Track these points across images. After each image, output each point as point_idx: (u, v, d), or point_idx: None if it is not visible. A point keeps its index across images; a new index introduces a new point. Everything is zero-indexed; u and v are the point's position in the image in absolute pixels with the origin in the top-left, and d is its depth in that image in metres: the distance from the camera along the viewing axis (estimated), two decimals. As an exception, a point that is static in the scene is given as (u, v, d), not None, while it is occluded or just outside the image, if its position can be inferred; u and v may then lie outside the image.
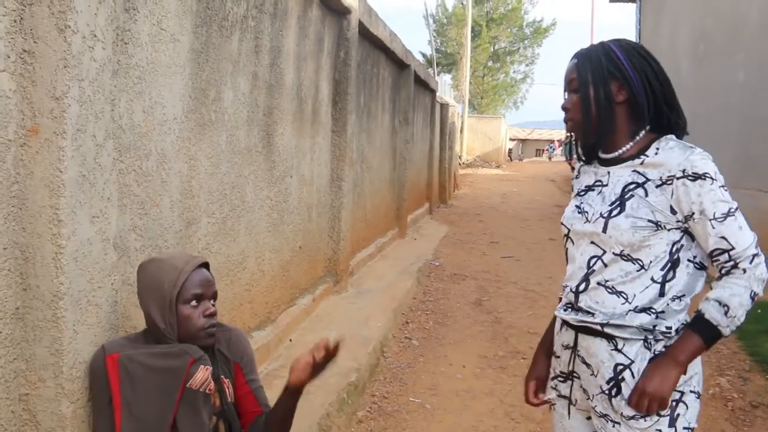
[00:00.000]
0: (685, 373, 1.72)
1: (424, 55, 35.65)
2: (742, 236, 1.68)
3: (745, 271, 1.67)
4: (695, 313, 1.73)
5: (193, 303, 2.02)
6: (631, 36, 11.29)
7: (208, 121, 3.18)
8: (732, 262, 1.68)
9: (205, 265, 2.14)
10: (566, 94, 1.88)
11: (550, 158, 47.09)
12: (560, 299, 1.96)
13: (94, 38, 2.03)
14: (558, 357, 1.94)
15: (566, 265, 1.93)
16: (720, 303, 1.67)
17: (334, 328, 4.75)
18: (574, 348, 1.86)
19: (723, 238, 1.67)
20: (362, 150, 6.81)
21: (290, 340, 4.32)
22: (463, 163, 28.11)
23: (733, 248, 1.67)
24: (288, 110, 4.34)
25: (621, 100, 1.80)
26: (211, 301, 2.09)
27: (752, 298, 1.68)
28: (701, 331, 1.70)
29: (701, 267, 1.77)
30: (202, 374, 1.97)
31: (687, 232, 1.75)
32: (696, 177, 1.68)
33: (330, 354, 2.14)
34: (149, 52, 2.58)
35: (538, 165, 36.85)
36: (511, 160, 42.94)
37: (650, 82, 1.77)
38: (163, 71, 2.71)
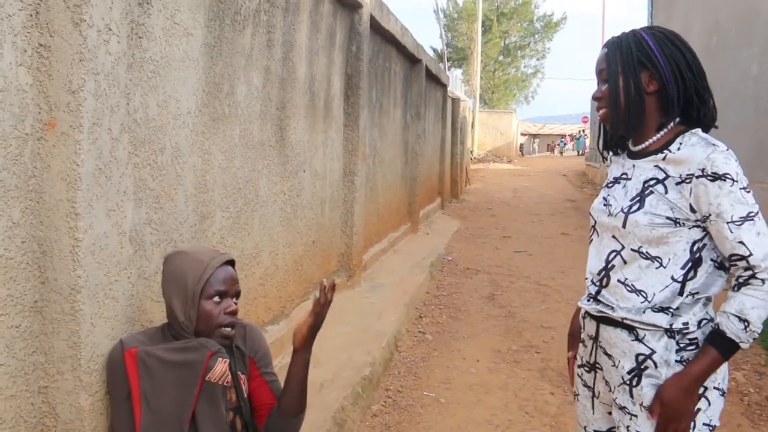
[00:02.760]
0: (701, 386, 1.69)
1: (434, 50, 35.58)
2: (760, 243, 1.61)
3: (764, 282, 1.60)
4: (712, 326, 1.68)
5: (216, 299, 2.03)
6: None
7: (222, 115, 3.18)
8: (750, 272, 1.61)
9: (231, 263, 2.14)
10: (598, 83, 1.84)
11: (561, 153, 46.92)
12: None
13: (109, 32, 2.03)
14: (585, 346, 1.94)
15: (589, 256, 1.91)
16: (740, 318, 1.61)
17: (348, 322, 4.76)
18: (595, 339, 1.85)
19: (741, 243, 1.61)
20: (374, 145, 6.80)
21: (304, 335, 4.32)
22: (475, 158, 28.06)
23: (751, 254, 1.60)
24: (300, 104, 4.34)
25: (651, 91, 1.75)
26: (234, 300, 2.09)
27: None
28: (720, 346, 1.65)
29: (721, 267, 1.73)
30: (221, 367, 1.98)
31: (708, 232, 1.70)
32: (715, 177, 1.62)
33: (325, 298, 2.16)
34: (163, 46, 2.58)
35: (550, 159, 36.76)
36: (523, 155, 42.81)
37: (682, 73, 1.72)
38: (176, 65, 2.71)
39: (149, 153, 2.53)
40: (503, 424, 3.62)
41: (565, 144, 51.67)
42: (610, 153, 1.96)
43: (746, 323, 1.60)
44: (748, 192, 1.63)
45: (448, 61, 30.28)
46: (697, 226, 1.69)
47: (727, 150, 1.65)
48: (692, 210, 1.67)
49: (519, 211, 13.58)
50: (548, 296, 6.39)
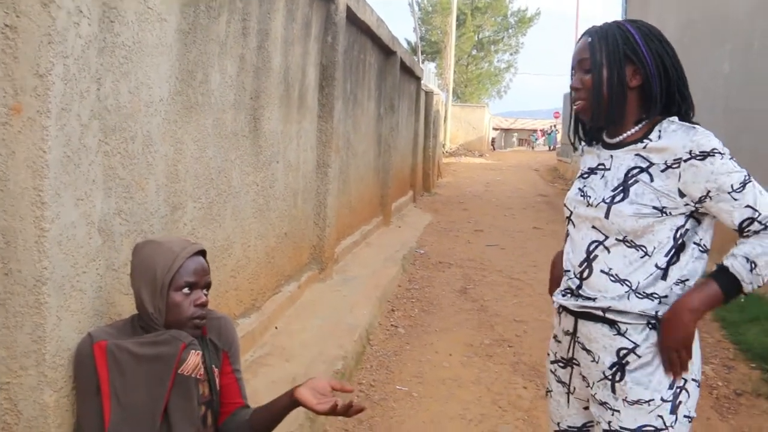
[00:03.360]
0: (698, 321, 1.68)
1: (408, 42, 35.49)
2: (764, 199, 1.63)
3: None
4: (718, 265, 1.69)
5: (185, 290, 1.97)
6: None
7: (195, 103, 3.11)
8: (762, 226, 1.62)
9: (202, 253, 2.08)
10: (575, 72, 1.81)
11: (533, 147, 47.24)
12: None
13: (79, 14, 1.95)
14: (559, 342, 1.91)
15: (565, 246, 1.89)
16: (747, 259, 1.62)
17: (319, 315, 4.71)
18: (573, 334, 1.83)
19: (748, 206, 1.63)
20: (348, 136, 6.75)
21: (276, 328, 4.27)
22: (447, 152, 28.11)
23: (759, 213, 1.62)
24: (275, 94, 4.27)
25: (634, 86, 1.74)
26: (204, 291, 2.04)
27: None
28: (723, 282, 1.65)
29: (705, 251, 1.74)
30: (194, 359, 1.93)
31: (692, 217, 1.71)
32: (704, 155, 1.63)
33: (343, 409, 1.91)
34: (135, 31, 2.50)
35: (521, 154, 36.98)
36: (494, 149, 43.02)
37: (666, 70, 1.72)
38: (149, 51, 2.63)
39: (120, 141, 2.46)
40: (476, 419, 3.61)
41: (536, 139, 52.02)
42: (583, 143, 1.95)
43: (753, 264, 1.61)
44: (734, 159, 1.66)
45: (422, 54, 30.25)
46: (682, 214, 1.69)
47: (705, 129, 1.68)
48: (681, 195, 1.67)
49: (491, 205, 13.63)
50: (520, 290, 6.41)
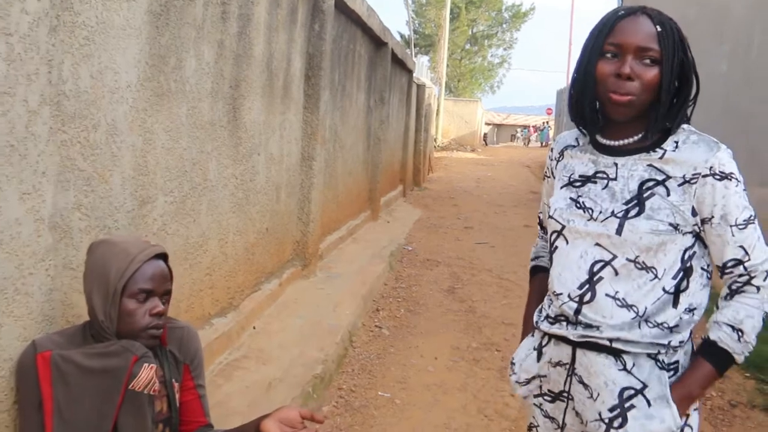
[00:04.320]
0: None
1: (402, 35, 35.26)
2: (760, 248, 1.51)
3: (759, 289, 1.50)
4: (704, 338, 1.54)
5: (140, 298, 1.77)
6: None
7: (167, 90, 2.91)
8: (746, 276, 1.50)
9: (163, 257, 1.88)
10: (621, 57, 1.50)
11: (526, 143, 47.09)
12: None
13: (26, -13, 1.76)
14: (543, 376, 1.71)
15: (552, 267, 1.67)
16: (733, 328, 1.49)
17: (300, 314, 4.53)
18: (571, 365, 1.62)
19: (741, 247, 1.49)
20: (335, 129, 6.55)
21: (254, 328, 4.09)
22: (438, 146, 27.92)
23: (749, 259, 1.49)
24: (257, 83, 4.07)
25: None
26: (163, 299, 1.84)
27: (764, 320, 1.51)
28: (714, 359, 1.51)
29: (710, 278, 1.58)
30: (147, 373, 1.74)
31: (699, 238, 1.55)
32: (723, 176, 1.48)
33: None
34: (99, 11, 2.30)
35: (513, 150, 36.82)
36: (486, 144, 42.86)
37: (696, 74, 1.57)
38: (115, 33, 2.43)
39: (80, 129, 2.26)
40: (461, 428, 3.45)
41: (527, 134, 51.87)
42: (559, 144, 1.74)
43: (740, 333, 1.48)
44: (746, 191, 1.53)
45: (415, 47, 30.03)
46: (690, 233, 1.53)
47: (729, 149, 1.53)
48: (693, 213, 1.51)
49: (482, 202, 13.46)
50: (510, 291, 6.24)
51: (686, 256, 1.53)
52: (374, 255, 6.88)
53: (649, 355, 1.53)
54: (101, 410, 1.70)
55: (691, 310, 1.54)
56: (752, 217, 1.50)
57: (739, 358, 1.51)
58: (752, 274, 1.49)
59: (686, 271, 1.53)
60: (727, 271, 1.52)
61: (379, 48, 8.78)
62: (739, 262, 1.50)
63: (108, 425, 1.69)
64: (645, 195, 1.52)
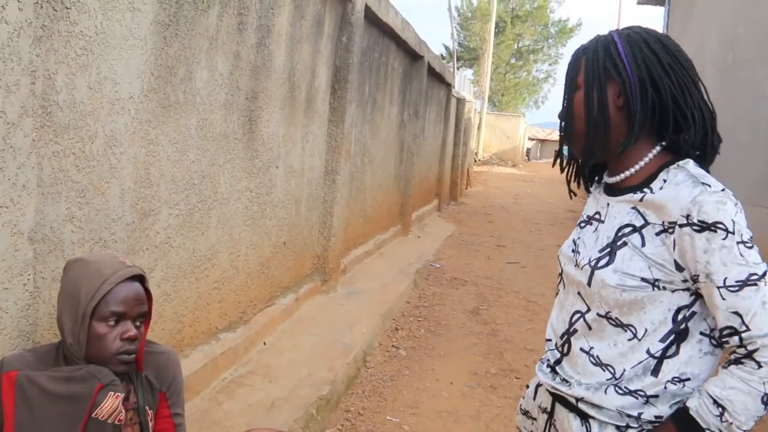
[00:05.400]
0: None
1: (447, 48, 35.18)
2: (763, 315, 1.21)
3: (760, 366, 1.21)
4: (683, 402, 1.31)
5: (111, 322, 1.69)
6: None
7: (175, 102, 2.86)
8: (743, 350, 1.23)
9: (140, 278, 1.80)
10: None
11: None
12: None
13: (6, -5, 1.70)
14: (533, 419, 1.58)
15: (553, 312, 1.55)
16: (715, 401, 1.23)
17: (315, 332, 4.44)
18: (551, 415, 1.50)
19: (736, 313, 1.22)
20: (364, 142, 6.46)
21: (264, 344, 4.01)
22: (479, 160, 27.70)
23: (746, 329, 1.21)
24: (276, 95, 4.01)
25: (620, 105, 1.37)
26: (137, 322, 1.75)
27: (765, 403, 1.21)
28: (683, 428, 1.26)
29: (719, 345, 1.33)
30: (111, 402, 1.66)
31: (700, 296, 1.31)
32: (703, 227, 1.23)
33: None
34: (98, 21, 2.26)
35: (556, 167, 36.28)
36: (529, 159, 42.42)
37: (655, 83, 1.33)
38: (116, 43, 2.38)
39: (74, 141, 2.21)
40: (469, 460, 3.30)
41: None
42: (594, 184, 1.57)
43: (721, 409, 1.21)
44: (750, 247, 1.24)
45: (459, 60, 29.88)
46: (684, 290, 1.30)
47: (722, 191, 1.26)
48: (678, 268, 1.28)
49: (518, 219, 13.23)
50: (536, 315, 6.06)
51: (680, 317, 1.31)
52: (400, 271, 6.76)
53: (617, 427, 1.35)
54: (64, 437, 1.63)
55: (682, 380, 1.31)
56: (753, 277, 1.22)
57: None
58: (750, 349, 1.21)
59: (679, 335, 1.31)
60: (722, 340, 1.28)
61: (414, 61, 8.69)
62: (734, 331, 1.23)
63: (70, 452, 1.62)
64: (618, 243, 1.35)
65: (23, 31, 1.77)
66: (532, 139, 52.92)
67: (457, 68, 21.79)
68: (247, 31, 3.48)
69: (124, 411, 1.68)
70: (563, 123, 1.45)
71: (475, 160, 25.06)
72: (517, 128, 34.52)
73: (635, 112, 1.34)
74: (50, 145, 2.10)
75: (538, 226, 12.39)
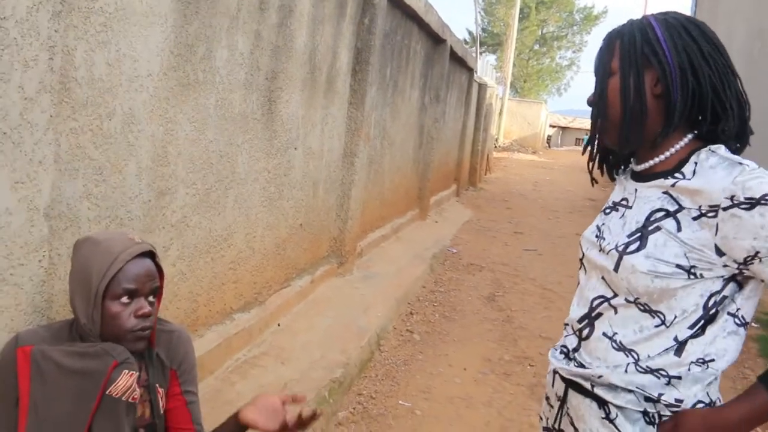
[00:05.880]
0: None
1: (470, 33, 34.90)
2: None
3: None
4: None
5: (124, 300, 1.68)
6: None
7: (194, 81, 2.85)
8: None
9: (150, 254, 1.79)
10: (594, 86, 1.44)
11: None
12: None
13: (26, -31, 1.70)
14: (551, 406, 1.56)
15: (574, 297, 1.53)
16: None
17: (330, 314, 4.44)
18: (563, 402, 1.48)
19: None
20: (384, 125, 6.43)
21: (278, 325, 4.02)
22: (499, 146, 27.55)
23: None
24: (297, 76, 3.98)
25: (658, 93, 1.33)
26: (150, 298, 1.75)
27: None
28: None
29: (743, 324, 1.31)
30: (126, 380, 1.66)
31: (733, 280, 1.28)
32: (752, 203, 1.19)
33: (302, 422, 1.75)
34: (119, -3, 2.25)
35: (576, 154, 36.00)
36: (549, 146, 42.11)
37: (695, 71, 1.29)
38: (136, 20, 2.37)
39: (92, 117, 2.21)
40: (480, 447, 3.30)
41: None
42: (620, 172, 1.54)
43: None
44: None
45: (482, 45, 29.63)
46: (720, 276, 1.27)
47: (759, 168, 1.24)
48: (719, 252, 1.25)
49: (536, 206, 13.15)
50: (552, 302, 6.02)
51: (710, 303, 1.29)
52: (416, 256, 6.74)
53: (635, 412, 1.33)
54: (76, 412, 1.63)
55: (706, 361, 1.29)
56: None
57: None
58: None
59: (708, 320, 1.30)
60: None
61: (437, 45, 8.62)
62: None
63: (81, 428, 1.62)
64: (650, 228, 1.31)
65: (42, 5, 1.76)
66: (554, 126, 52.48)
67: (480, 53, 21.59)
68: (269, 11, 3.46)
69: (138, 389, 1.69)
70: (595, 110, 1.41)
71: (495, 146, 24.91)
72: (539, 115, 34.27)
73: (675, 100, 1.31)
74: (68, 121, 2.10)
75: (557, 213, 12.31)
